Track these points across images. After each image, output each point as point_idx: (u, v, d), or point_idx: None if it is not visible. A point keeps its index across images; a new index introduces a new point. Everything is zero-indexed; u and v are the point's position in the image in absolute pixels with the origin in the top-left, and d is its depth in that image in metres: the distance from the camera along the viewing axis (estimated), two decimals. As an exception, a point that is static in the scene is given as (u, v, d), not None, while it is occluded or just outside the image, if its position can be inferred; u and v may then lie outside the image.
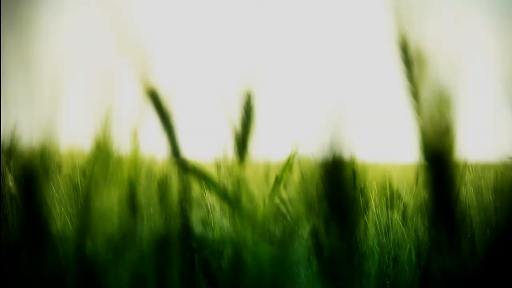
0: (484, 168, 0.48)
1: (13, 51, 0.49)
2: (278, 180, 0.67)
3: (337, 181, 0.47)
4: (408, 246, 0.61)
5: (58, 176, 0.51)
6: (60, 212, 0.53)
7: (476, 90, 0.48)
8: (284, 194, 0.62)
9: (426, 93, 0.46)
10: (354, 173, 0.46)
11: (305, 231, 0.60)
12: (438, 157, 0.46)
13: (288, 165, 0.68)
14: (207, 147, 0.71)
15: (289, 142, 0.69)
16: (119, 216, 0.54)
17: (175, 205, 0.55)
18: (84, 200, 0.54)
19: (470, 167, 0.46)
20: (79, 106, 0.55)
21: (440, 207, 0.46)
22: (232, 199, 0.53)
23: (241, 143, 0.62)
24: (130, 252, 0.59)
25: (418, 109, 0.46)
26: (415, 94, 0.47)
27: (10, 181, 0.56)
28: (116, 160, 0.56)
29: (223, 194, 0.54)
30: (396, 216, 0.56)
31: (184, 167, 0.53)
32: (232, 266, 0.57)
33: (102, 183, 0.51)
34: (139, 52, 0.52)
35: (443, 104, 0.45)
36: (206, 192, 0.55)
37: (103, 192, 0.50)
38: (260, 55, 0.60)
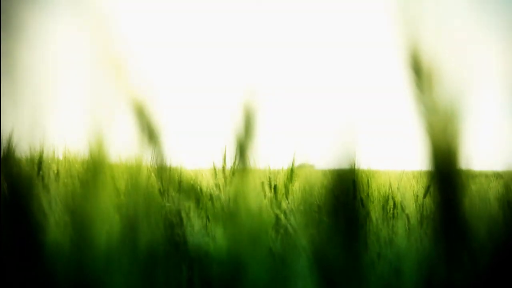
0: (490, 177, 0.47)
1: (5, 59, 0.48)
2: (277, 190, 0.66)
3: (341, 191, 0.46)
4: (410, 257, 0.60)
5: (51, 184, 0.50)
6: (54, 220, 0.52)
7: (482, 100, 0.47)
8: (284, 204, 0.61)
9: (434, 104, 0.46)
10: (358, 183, 0.45)
11: (305, 241, 0.59)
12: (445, 167, 0.45)
13: (289, 175, 0.68)
14: (208, 156, 0.70)
15: (290, 151, 0.68)
16: (113, 225, 0.54)
17: (170, 216, 0.54)
18: (77, 208, 0.53)
19: (476, 177, 0.46)
20: (72, 113, 0.54)
21: (445, 218, 0.45)
22: (227, 211, 0.53)
23: (242, 152, 0.61)
24: (124, 262, 0.58)
25: (427, 120, 0.45)
26: (423, 105, 0.47)
27: (4, 189, 0.55)
28: (110, 170, 0.55)
29: (219, 203, 0.53)
30: (399, 227, 0.55)
31: (170, 179, 0.53)
32: (229, 277, 0.56)
33: (95, 192, 0.51)
34: (126, 65, 0.52)
35: (451, 115, 0.45)
36: (200, 204, 0.54)
37: (96, 201, 0.49)
38: (263, 66, 0.59)
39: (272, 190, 0.60)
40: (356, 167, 0.46)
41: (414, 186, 0.52)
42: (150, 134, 0.52)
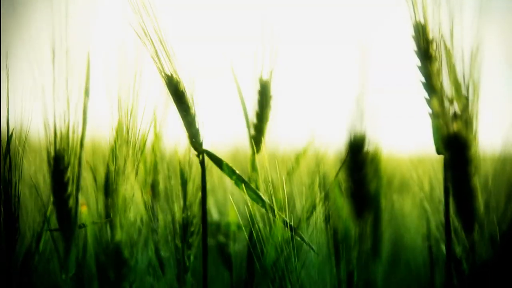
0: (499, 158, 0.48)
1: (42, 38, 0.49)
2: (295, 166, 0.68)
3: (355, 168, 0.48)
4: (420, 231, 0.62)
5: (82, 164, 0.52)
6: (84, 199, 0.54)
7: (493, 77, 0.47)
8: (299, 180, 0.63)
9: (444, 82, 0.46)
10: (372, 161, 0.47)
11: (319, 215, 0.61)
12: (455, 147, 0.45)
13: (305, 152, 0.69)
14: (225, 134, 0.72)
15: (306, 129, 0.69)
16: (141, 202, 0.56)
17: (194, 192, 0.56)
18: (107, 187, 0.55)
19: (486, 157, 0.47)
20: (101, 94, 0.56)
21: (456, 196, 0.46)
22: (249, 184, 0.54)
23: (258, 130, 0.62)
24: (151, 238, 0.60)
25: (435, 98, 0.46)
26: (432, 83, 0.47)
27: (29, 169, 0.57)
28: (138, 148, 0.57)
29: (241, 180, 0.55)
30: (409, 204, 0.57)
31: (203, 154, 0.54)
32: (247, 249, 0.58)
33: (125, 171, 0.52)
34: (160, 39, 0.53)
35: (461, 92, 0.45)
36: (226, 178, 0.56)
37: (126, 179, 0.51)
38: (279, 40, 0.60)
39: (290, 167, 0.62)
40: (373, 146, 0.47)
41: (426, 167, 0.54)
42: (184, 111, 0.54)
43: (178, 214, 0.58)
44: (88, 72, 0.50)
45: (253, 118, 0.63)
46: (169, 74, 0.53)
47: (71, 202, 0.51)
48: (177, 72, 0.53)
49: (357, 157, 0.47)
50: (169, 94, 0.54)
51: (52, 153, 0.51)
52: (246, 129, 0.62)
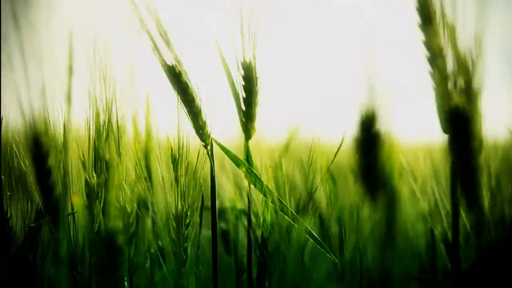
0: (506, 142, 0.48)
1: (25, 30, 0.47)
2: (281, 156, 0.67)
3: (367, 147, 0.46)
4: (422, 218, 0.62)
5: (71, 154, 0.50)
6: (76, 189, 0.52)
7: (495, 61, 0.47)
8: (290, 169, 0.62)
9: (448, 64, 0.45)
10: (384, 141, 0.46)
11: (314, 203, 0.61)
12: (457, 121, 0.45)
13: (289, 142, 0.69)
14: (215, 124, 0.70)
15: (296, 117, 0.69)
16: (136, 191, 0.54)
17: (192, 180, 0.55)
18: (100, 176, 0.53)
19: (493, 141, 0.46)
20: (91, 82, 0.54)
21: (462, 181, 0.45)
22: (258, 176, 0.54)
23: (246, 119, 0.61)
24: (146, 227, 0.59)
25: (438, 72, 0.45)
26: (435, 65, 0.46)
27: (22, 161, 0.55)
28: (132, 136, 0.56)
29: (248, 171, 0.54)
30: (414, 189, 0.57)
31: (211, 144, 0.54)
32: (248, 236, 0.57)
33: (117, 159, 0.51)
34: (155, 26, 0.51)
35: (466, 74, 0.44)
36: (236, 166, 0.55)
37: (119, 168, 0.49)
38: (264, 26, 0.59)
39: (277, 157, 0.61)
40: (383, 133, 0.46)
41: (432, 154, 0.53)
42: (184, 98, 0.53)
43: (173, 206, 0.56)
44: (70, 51, 0.47)
45: (241, 106, 0.61)
46: (171, 65, 0.52)
47: (57, 190, 0.48)
48: (180, 62, 0.52)
49: (369, 134, 0.45)
50: (172, 86, 0.52)
51: (31, 137, 0.47)
52: (237, 116, 0.61)
